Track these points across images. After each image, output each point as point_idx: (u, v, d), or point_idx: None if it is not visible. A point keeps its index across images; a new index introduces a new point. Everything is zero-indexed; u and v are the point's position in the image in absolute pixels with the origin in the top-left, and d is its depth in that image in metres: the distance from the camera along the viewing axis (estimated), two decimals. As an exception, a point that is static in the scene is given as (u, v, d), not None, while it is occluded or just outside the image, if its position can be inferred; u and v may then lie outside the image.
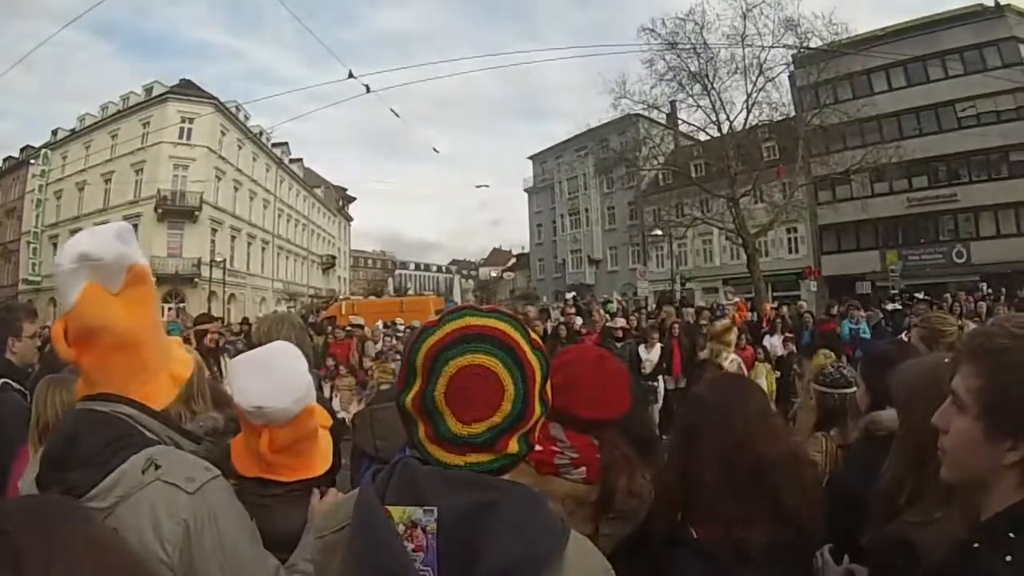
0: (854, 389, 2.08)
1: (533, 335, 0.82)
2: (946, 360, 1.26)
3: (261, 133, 33.10)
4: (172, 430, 1.08)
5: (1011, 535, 0.73)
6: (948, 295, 14.32)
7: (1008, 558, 0.71)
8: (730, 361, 6.04)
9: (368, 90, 13.78)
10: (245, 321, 13.86)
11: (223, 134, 30.58)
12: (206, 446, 1.19)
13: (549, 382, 0.82)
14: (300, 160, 41.27)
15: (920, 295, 14.48)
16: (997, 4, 27.39)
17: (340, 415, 5.51)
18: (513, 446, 0.77)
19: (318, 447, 1.31)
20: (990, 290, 15.62)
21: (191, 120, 29.85)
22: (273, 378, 1.18)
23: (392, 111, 22.92)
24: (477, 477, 0.75)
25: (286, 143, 38.50)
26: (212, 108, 29.95)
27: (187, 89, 30.96)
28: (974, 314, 10.62)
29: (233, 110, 30.97)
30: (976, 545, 0.76)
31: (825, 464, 1.99)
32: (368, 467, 1.68)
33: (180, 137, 29.81)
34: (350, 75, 13.71)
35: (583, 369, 1.26)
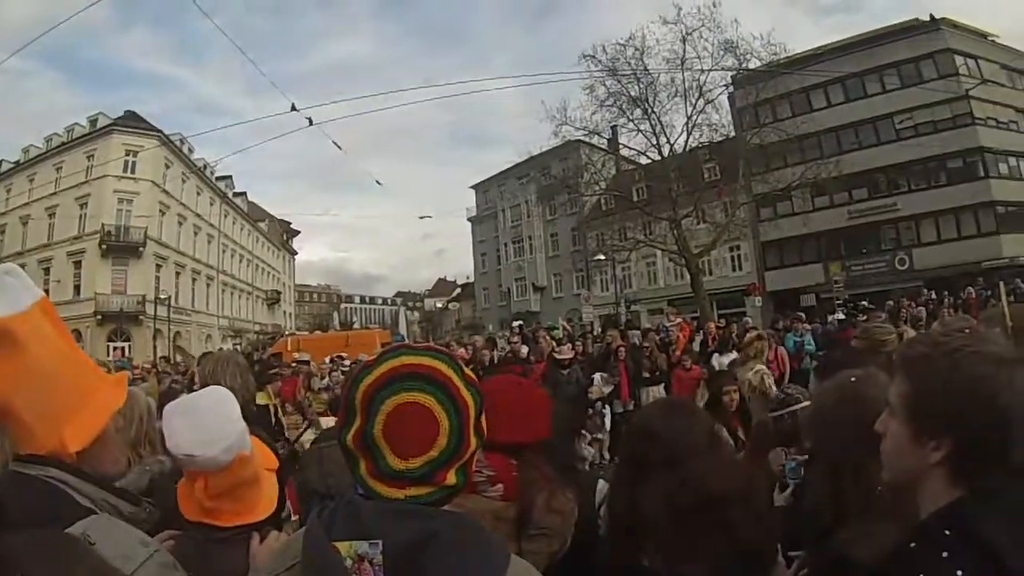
0: (804, 404, 2.20)
1: (467, 371, 0.85)
2: (852, 379, 1.34)
3: (205, 166, 32.43)
4: (108, 492, 1.06)
5: (947, 532, 0.77)
6: (891, 301, 14.63)
7: (945, 555, 0.74)
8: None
9: (311, 123, 13.73)
10: (166, 361, 13.65)
11: (167, 167, 29.93)
12: (147, 508, 1.16)
13: (482, 415, 0.85)
14: (244, 194, 40.82)
15: (864, 303, 14.67)
16: (932, 18, 28.38)
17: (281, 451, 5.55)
18: (451, 478, 0.80)
19: (260, 491, 1.30)
20: (933, 294, 15.94)
21: (135, 153, 29.14)
22: (203, 427, 1.18)
23: (335, 143, 22.50)
24: (418, 509, 0.78)
25: (230, 176, 38.06)
26: (157, 141, 29.26)
27: (131, 121, 30.25)
28: (917, 319, 10.85)
29: (178, 143, 30.33)
30: (913, 545, 0.79)
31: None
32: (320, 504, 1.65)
33: (124, 170, 29.10)
34: (293, 108, 13.64)
35: (502, 396, 1.27)
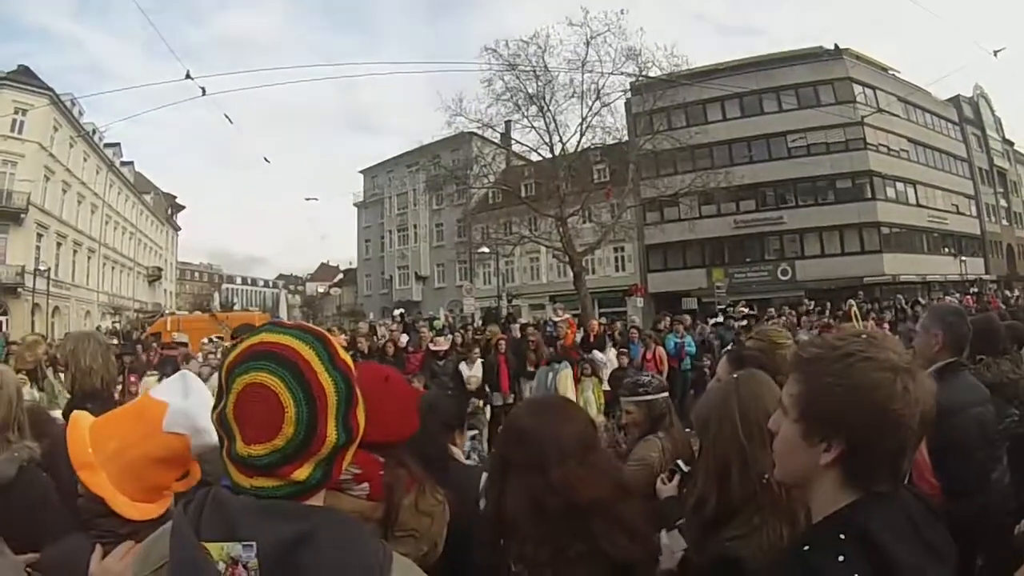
0: (667, 393, 2.37)
1: (340, 355, 0.78)
2: (734, 376, 1.38)
3: (94, 131, 30.66)
4: None
5: (841, 536, 0.77)
6: (772, 309, 15.29)
7: (840, 558, 0.74)
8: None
9: (204, 92, 13.23)
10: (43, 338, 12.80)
11: (56, 130, 27.99)
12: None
13: (358, 407, 0.78)
14: (131, 163, 39.02)
15: (745, 309, 15.25)
16: (836, 47, 30.05)
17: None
18: (300, 474, 0.73)
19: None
20: (815, 305, 16.78)
21: (24, 112, 27.07)
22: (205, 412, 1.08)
23: (226, 116, 21.75)
24: (291, 506, 0.72)
25: (118, 144, 36.12)
26: (48, 100, 27.33)
27: (23, 77, 28.10)
28: (796, 326, 11.34)
29: (68, 104, 28.48)
30: (807, 548, 0.79)
31: (663, 462, 2.09)
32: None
33: (11, 129, 27.03)
34: (187, 76, 13.11)
35: (368, 390, 1.11)
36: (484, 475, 1.50)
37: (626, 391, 2.38)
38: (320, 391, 0.74)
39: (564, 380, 7.79)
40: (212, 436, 1.09)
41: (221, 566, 0.68)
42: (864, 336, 0.85)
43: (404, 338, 9.83)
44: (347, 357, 0.79)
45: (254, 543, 0.68)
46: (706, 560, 1.23)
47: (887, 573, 0.73)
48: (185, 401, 1.15)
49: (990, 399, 2.14)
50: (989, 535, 1.89)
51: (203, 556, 0.67)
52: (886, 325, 11.10)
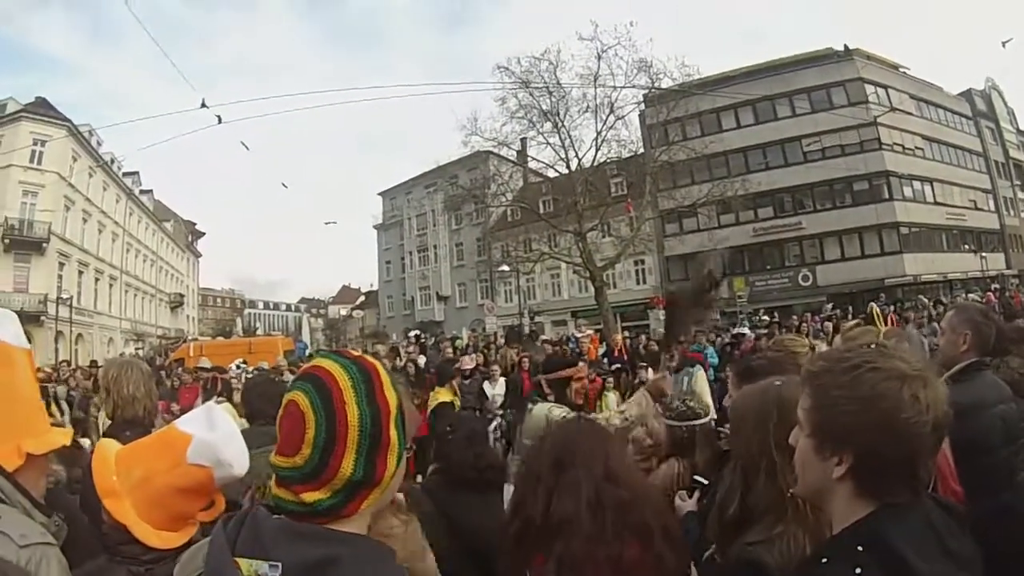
0: (702, 421, 2.29)
1: (382, 391, 0.77)
2: (777, 383, 1.32)
3: (112, 161, 31.11)
4: (22, 496, 1.11)
5: (859, 548, 0.77)
6: (795, 316, 15.17)
7: (858, 570, 0.74)
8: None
9: (220, 120, 13.40)
10: (94, 364, 13.02)
11: (74, 160, 28.47)
12: (56, 521, 1.16)
13: (389, 451, 0.76)
14: (151, 192, 39.62)
15: (767, 317, 15.12)
16: (847, 48, 29.86)
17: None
18: (310, 496, 0.74)
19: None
20: (837, 310, 16.63)
21: (43, 143, 27.57)
22: (238, 441, 1.21)
23: (243, 143, 21.96)
24: (319, 531, 0.74)
25: (137, 173, 36.72)
26: (65, 131, 27.81)
27: (41, 108, 28.62)
28: (820, 333, 11.24)
29: (86, 135, 28.93)
30: (825, 560, 0.80)
31: (674, 486, 2.11)
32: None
33: (31, 161, 27.49)
34: (203, 104, 13.27)
35: None
36: (509, 488, 1.53)
37: (666, 412, 2.44)
38: (343, 420, 0.74)
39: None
40: (235, 469, 1.19)
41: None
42: (873, 346, 0.85)
43: (421, 359, 9.96)
44: (393, 396, 0.79)
45: (280, 564, 0.70)
46: (729, 562, 1.21)
47: None
48: (210, 434, 1.18)
49: (1012, 397, 2.13)
50: (1014, 535, 1.82)
51: (234, 570, 0.71)
52: (910, 326, 10.91)
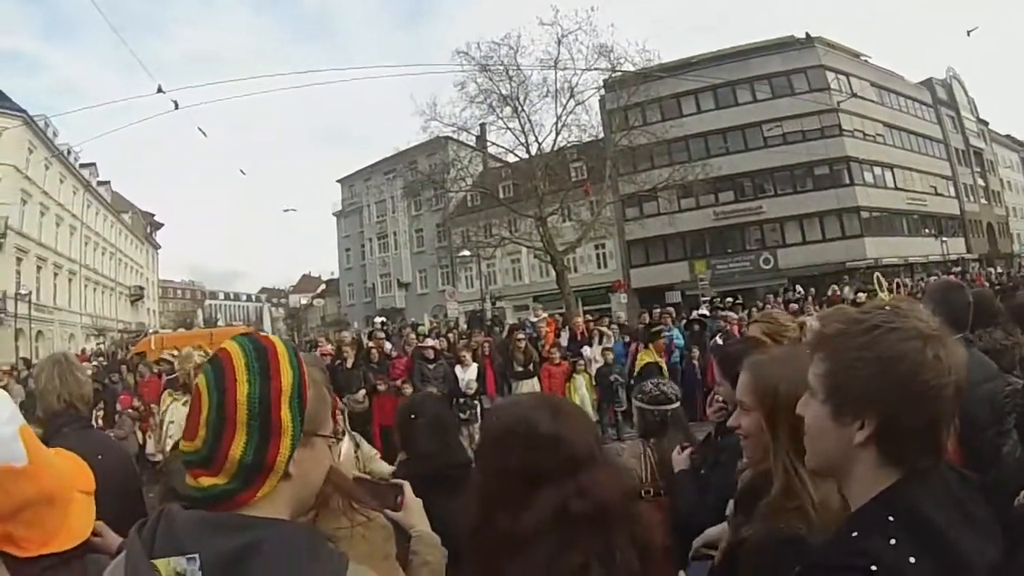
0: (675, 405, 2.29)
1: (278, 369, 0.74)
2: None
3: (69, 152, 30.47)
4: None
5: (890, 518, 0.73)
6: (759, 301, 15.40)
7: (892, 541, 0.70)
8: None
9: (176, 106, 13.18)
10: (27, 363, 12.73)
11: (31, 152, 27.77)
12: None
13: (282, 436, 0.72)
14: (108, 183, 38.88)
15: (731, 300, 15.33)
16: (808, 36, 30.36)
17: (157, 457, 5.35)
18: (207, 481, 0.72)
19: (63, 515, 1.11)
20: (800, 292, 16.94)
21: (-1, 134, 26.95)
22: None
23: (199, 130, 21.65)
24: (233, 518, 0.71)
25: (94, 164, 35.96)
26: (21, 122, 27.11)
27: (-3, 99, 27.96)
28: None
29: (42, 125, 28.28)
30: (856, 534, 0.74)
31: (642, 469, 2.09)
32: None
33: (-14, 154, 26.85)
34: (159, 90, 13.04)
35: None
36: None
37: (638, 395, 2.45)
38: (232, 399, 0.72)
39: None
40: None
41: None
42: (888, 307, 0.81)
43: (388, 345, 9.55)
44: (289, 374, 0.74)
45: (196, 555, 0.67)
46: (761, 537, 1.14)
47: (943, 552, 0.70)
48: None
49: (998, 373, 2.11)
50: (1003, 510, 1.90)
51: (151, 572, 0.68)
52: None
